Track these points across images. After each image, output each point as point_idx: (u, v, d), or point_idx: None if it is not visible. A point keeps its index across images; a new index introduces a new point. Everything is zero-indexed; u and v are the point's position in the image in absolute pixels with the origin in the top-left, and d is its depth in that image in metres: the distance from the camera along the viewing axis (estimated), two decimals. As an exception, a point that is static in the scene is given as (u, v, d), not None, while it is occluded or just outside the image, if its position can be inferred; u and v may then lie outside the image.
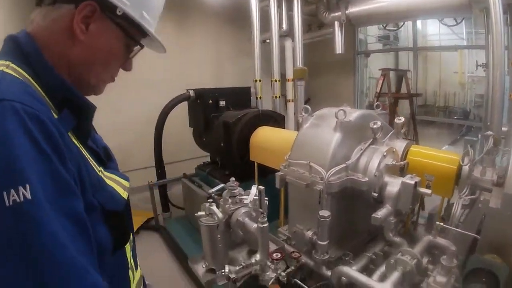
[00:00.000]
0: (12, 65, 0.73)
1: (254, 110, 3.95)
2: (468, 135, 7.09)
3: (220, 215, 1.83)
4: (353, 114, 2.40)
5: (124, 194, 0.95)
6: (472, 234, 2.13)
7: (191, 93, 4.36)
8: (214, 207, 1.86)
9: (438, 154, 2.81)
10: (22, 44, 0.77)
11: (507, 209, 2.05)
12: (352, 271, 1.96)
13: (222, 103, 4.36)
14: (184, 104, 4.62)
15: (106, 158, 0.98)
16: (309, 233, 2.22)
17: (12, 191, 0.57)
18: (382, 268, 2.07)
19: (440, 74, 8.77)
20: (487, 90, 3.78)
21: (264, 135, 3.67)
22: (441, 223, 2.20)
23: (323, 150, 2.28)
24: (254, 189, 2.01)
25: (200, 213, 1.88)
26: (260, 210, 1.72)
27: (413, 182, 2.11)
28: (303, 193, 2.34)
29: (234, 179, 1.99)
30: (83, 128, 0.85)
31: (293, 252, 2.09)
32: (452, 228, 2.21)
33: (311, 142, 2.40)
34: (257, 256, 1.81)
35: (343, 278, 1.99)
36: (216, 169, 4.35)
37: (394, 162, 2.32)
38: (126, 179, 1.01)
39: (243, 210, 1.92)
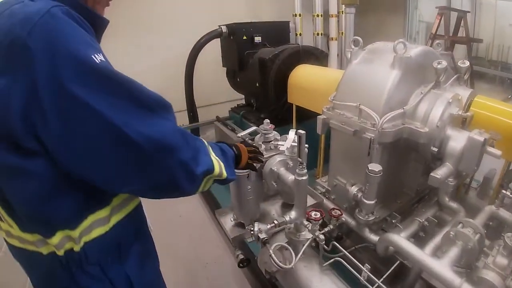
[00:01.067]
0: None
1: (293, 45, 3.48)
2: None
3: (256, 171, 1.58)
4: (414, 50, 1.94)
5: None
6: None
7: (224, 29, 3.95)
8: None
9: (507, 109, 2.31)
10: None
11: None
12: (404, 241, 1.67)
13: (257, 39, 3.92)
14: (217, 42, 4.24)
15: None
16: (354, 189, 1.93)
17: (96, 54, 0.80)
18: (437, 240, 1.78)
19: (495, 25, 7.49)
20: None
21: (305, 74, 3.25)
22: (504, 191, 1.84)
23: (377, 91, 1.89)
24: (292, 134, 1.72)
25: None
26: (299, 159, 1.43)
27: (482, 139, 1.72)
28: (349, 141, 2.01)
29: (268, 121, 1.69)
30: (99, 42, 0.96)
31: (333, 209, 1.82)
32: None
33: (361, 80, 2.00)
34: (292, 213, 1.57)
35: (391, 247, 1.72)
36: (251, 111, 4.07)
37: (460, 112, 1.90)
38: None
39: (278, 159, 1.65)
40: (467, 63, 2.11)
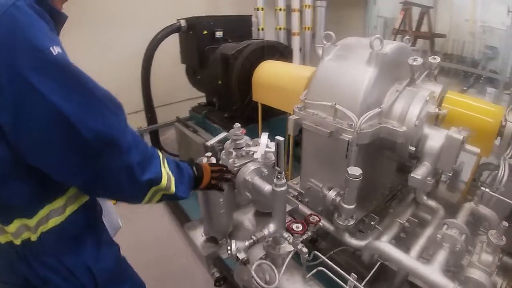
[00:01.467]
0: None
1: (257, 40, 3.31)
2: (475, 86, 6.54)
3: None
4: (390, 46, 1.86)
5: None
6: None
7: (183, 23, 3.69)
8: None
9: (477, 104, 2.33)
10: None
11: None
12: (392, 248, 1.59)
13: (218, 34, 3.69)
14: (175, 38, 3.95)
15: None
16: (332, 194, 1.81)
17: (54, 46, 0.81)
18: (421, 242, 1.72)
19: (451, 20, 7.89)
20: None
21: (270, 70, 3.09)
22: (484, 188, 1.82)
23: (353, 89, 1.78)
24: (264, 139, 1.56)
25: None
26: (277, 168, 1.26)
27: (461, 137, 1.69)
28: (324, 143, 1.89)
29: (239, 125, 1.51)
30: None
31: (310, 215, 1.68)
32: (496, 195, 1.81)
33: (336, 78, 1.88)
34: (271, 226, 1.40)
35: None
36: (214, 111, 3.85)
37: (436, 110, 1.85)
38: None
39: (252, 167, 1.47)
40: (438, 59, 2.06)
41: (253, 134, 3.44)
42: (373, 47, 1.73)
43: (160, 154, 1.14)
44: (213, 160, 1.48)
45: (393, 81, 1.91)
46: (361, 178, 1.58)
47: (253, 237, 1.34)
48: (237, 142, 1.51)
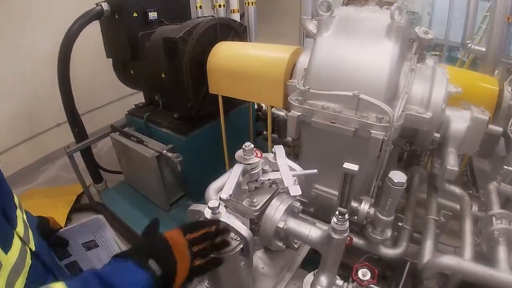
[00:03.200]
0: None
1: (207, 18, 2.71)
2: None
3: (245, 232, 0.87)
4: (400, 17, 1.52)
5: None
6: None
7: (105, 6, 2.83)
8: (233, 220, 0.87)
9: (474, 76, 2.17)
10: None
11: None
12: (466, 263, 1.29)
13: (152, 15, 2.96)
14: (95, 28, 3.05)
15: None
16: (365, 207, 1.44)
17: None
18: (467, 240, 1.47)
19: None
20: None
21: (227, 54, 2.55)
22: (506, 167, 1.67)
23: (373, 73, 1.42)
24: (282, 156, 1.10)
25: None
26: (341, 209, 0.85)
27: (487, 117, 1.51)
28: (339, 142, 1.51)
29: (252, 146, 1.00)
30: None
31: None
32: None
33: (345, 59, 1.49)
34: (323, 281, 0.99)
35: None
36: (157, 112, 3.13)
37: (457, 89, 1.60)
38: None
39: (281, 206, 1.00)
40: (431, 33, 1.77)
41: (217, 135, 2.97)
42: (394, 17, 1.37)
43: None
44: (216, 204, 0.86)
45: (403, 58, 1.59)
46: (405, 185, 1.25)
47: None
48: (253, 172, 1.02)
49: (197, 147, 2.98)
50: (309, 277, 1.10)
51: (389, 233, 1.45)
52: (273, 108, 3.38)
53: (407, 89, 1.43)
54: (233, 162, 3.03)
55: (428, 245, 1.46)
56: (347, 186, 0.84)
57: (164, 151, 2.84)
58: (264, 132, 3.67)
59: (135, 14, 2.89)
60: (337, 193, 1.65)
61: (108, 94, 3.94)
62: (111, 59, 3.31)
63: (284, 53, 2.13)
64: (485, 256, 1.39)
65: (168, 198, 3.16)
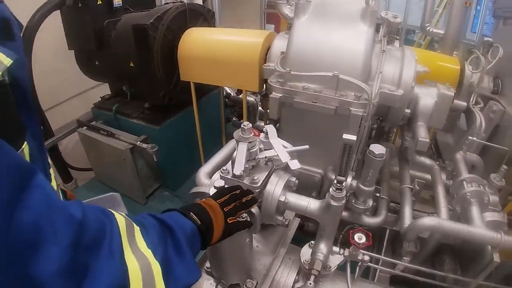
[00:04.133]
0: None
1: (177, 4, 2.63)
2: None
3: (256, 210, 0.92)
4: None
5: None
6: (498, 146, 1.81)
7: None
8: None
9: (437, 56, 2.33)
10: None
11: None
12: (445, 222, 1.43)
13: (117, 2, 2.85)
14: (54, 18, 2.83)
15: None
16: (349, 179, 1.53)
17: None
18: (441, 202, 1.62)
19: None
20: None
21: (198, 40, 2.52)
22: (471, 137, 1.83)
23: (350, 54, 1.50)
24: (273, 134, 1.15)
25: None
26: (340, 178, 0.91)
27: (452, 93, 1.67)
28: (319, 121, 1.59)
29: (250, 125, 1.04)
30: None
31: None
32: (482, 141, 1.85)
33: (323, 42, 1.55)
34: (323, 249, 1.06)
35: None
36: (126, 103, 3.04)
37: (424, 69, 1.73)
38: None
39: (280, 182, 1.06)
40: (400, 17, 1.88)
41: (189, 123, 2.94)
42: (369, 3, 1.44)
43: (123, 219, 0.63)
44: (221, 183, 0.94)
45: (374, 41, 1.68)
46: (384, 156, 1.35)
47: (313, 272, 0.99)
48: (252, 151, 1.05)
49: (170, 136, 2.96)
50: (305, 249, 1.17)
51: (370, 202, 1.56)
52: (242, 94, 3.43)
53: (380, 69, 1.52)
54: (205, 149, 3.05)
55: (407, 210, 1.60)
56: (346, 156, 0.90)
57: (138, 142, 2.78)
58: (234, 118, 3.73)
59: (99, 2, 2.76)
60: (319, 170, 1.75)
61: (68, 88, 3.72)
62: (73, 51, 3.13)
63: (258, 38, 2.16)
64: (459, 218, 1.54)
65: (144, 190, 3.11)
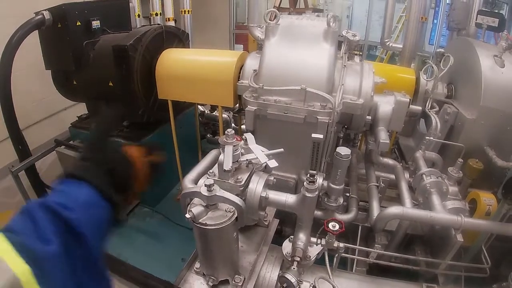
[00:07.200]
0: None
1: (155, 26, 2.78)
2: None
3: (238, 201, 1.05)
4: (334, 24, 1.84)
5: None
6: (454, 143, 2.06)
7: (46, 15, 2.74)
8: (227, 193, 1.03)
9: (394, 68, 2.61)
10: None
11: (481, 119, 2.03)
12: (410, 210, 1.63)
13: (95, 24, 2.96)
14: (29, 39, 2.81)
15: None
16: (320, 180, 1.70)
17: None
18: (405, 194, 1.83)
19: None
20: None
21: (174, 60, 2.69)
22: (428, 137, 2.07)
23: (315, 69, 1.70)
24: (252, 140, 1.30)
25: (193, 211, 1.02)
26: (312, 171, 1.07)
27: (408, 99, 1.90)
28: (290, 130, 1.76)
29: (233, 131, 1.19)
30: None
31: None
32: (440, 140, 2.10)
33: (291, 60, 1.75)
34: (302, 238, 1.21)
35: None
36: None
37: (381, 80, 1.96)
38: None
39: (261, 180, 1.21)
40: (358, 36, 2.11)
41: (166, 139, 3.01)
42: (330, 25, 1.66)
43: None
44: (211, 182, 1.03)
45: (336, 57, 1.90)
46: (350, 157, 1.54)
47: (296, 258, 1.13)
48: (235, 153, 1.20)
49: (149, 153, 3.03)
50: (286, 243, 1.31)
51: (341, 200, 1.74)
52: (215, 111, 3.59)
53: (342, 82, 1.73)
54: (183, 165, 3.12)
55: (375, 204, 1.79)
56: (315, 152, 1.06)
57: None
58: (208, 135, 3.93)
59: (78, 23, 2.85)
60: (293, 175, 1.91)
61: (42, 108, 3.73)
62: (50, 71, 3.18)
63: (231, 58, 2.33)
64: (422, 207, 1.74)
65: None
